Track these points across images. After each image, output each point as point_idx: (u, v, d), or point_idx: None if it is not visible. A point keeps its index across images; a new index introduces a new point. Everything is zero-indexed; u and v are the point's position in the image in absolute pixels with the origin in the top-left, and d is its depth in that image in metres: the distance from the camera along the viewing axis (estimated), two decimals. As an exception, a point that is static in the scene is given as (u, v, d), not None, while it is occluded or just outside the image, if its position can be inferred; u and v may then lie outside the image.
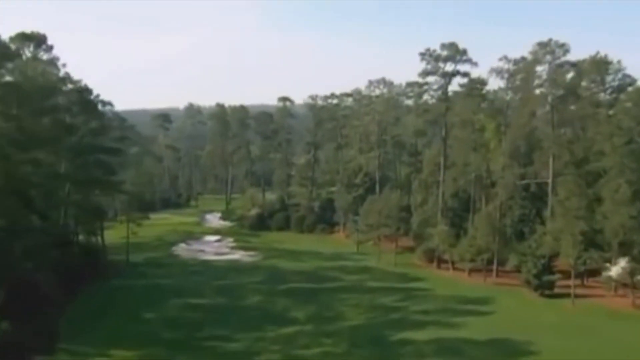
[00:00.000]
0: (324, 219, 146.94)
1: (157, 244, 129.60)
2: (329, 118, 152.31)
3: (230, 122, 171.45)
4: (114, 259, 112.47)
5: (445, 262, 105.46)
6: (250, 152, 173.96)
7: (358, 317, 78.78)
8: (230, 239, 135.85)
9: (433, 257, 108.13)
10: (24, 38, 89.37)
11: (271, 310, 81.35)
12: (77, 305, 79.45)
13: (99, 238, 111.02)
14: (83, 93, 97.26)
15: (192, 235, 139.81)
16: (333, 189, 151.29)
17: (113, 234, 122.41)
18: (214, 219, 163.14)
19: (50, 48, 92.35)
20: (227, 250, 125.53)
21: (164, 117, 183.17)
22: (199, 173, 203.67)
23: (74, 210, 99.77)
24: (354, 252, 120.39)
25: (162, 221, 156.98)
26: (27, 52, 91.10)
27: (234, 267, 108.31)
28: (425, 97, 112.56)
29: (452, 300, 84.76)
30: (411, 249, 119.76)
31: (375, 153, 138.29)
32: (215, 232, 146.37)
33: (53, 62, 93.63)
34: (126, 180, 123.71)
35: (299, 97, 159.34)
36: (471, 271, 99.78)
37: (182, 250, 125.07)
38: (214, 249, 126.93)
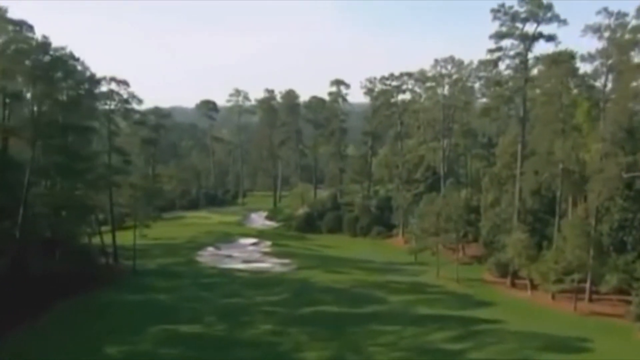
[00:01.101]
0: (381, 220, 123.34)
1: (183, 247, 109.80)
2: (387, 103, 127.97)
3: (279, 109, 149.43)
4: (125, 265, 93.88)
5: (522, 279, 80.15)
6: (301, 142, 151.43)
7: (392, 366, 55.13)
8: (268, 243, 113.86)
9: (506, 272, 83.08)
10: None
11: (277, 349, 57.88)
12: (29, 328, 60.83)
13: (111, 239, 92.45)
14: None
15: (227, 238, 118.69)
16: (392, 185, 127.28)
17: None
18: (259, 219, 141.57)
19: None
20: (258, 256, 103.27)
21: (209, 106, 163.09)
22: (249, 168, 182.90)
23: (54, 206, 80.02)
24: (410, 262, 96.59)
25: (200, 220, 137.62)
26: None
27: (256, 280, 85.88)
28: (500, 67, 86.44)
29: (531, 342, 58.45)
30: (480, 259, 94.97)
31: (440, 143, 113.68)
32: (258, 233, 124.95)
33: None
34: (132, 172, 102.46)
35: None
36: (556, 294, 74.06)
37: (207, 255, 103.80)
38: (245, 254, 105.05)
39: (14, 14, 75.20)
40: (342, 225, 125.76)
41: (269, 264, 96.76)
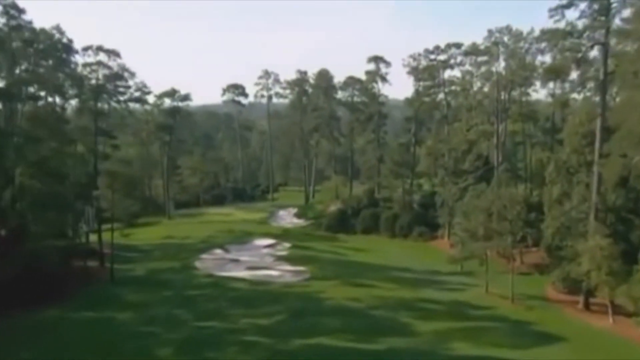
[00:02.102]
0: (425, 219, 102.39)
1: (190, 248, 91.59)
2: (433, 81, 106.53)
3: (311, 92, 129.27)
4: (119, 269, 75.30)
5: (601, 302, 58.43)
6: (336, 130, 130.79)
7: None
8: (287, 245, 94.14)
9: (577, 289, 61.46)
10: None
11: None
12: None
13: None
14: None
15: (244, 238, 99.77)
16: (437, 179, 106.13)
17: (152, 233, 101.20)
18: (287, 217, 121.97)
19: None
20: (269, 261, 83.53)
21: (237, 90, 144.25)
22: (282, 159, 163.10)
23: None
24: (454, 272, 75.82)
25: (221, 217, 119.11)
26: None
27: (252, 294, 66.13)
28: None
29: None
30: (542, 269, 73.56)
31: (494, 127, 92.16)
32: (281, 233, 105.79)
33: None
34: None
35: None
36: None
37: (209, 259, 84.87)
38: (255, 258, 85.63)
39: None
40: (379, 224, 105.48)
41: (277, 272, 76.97)
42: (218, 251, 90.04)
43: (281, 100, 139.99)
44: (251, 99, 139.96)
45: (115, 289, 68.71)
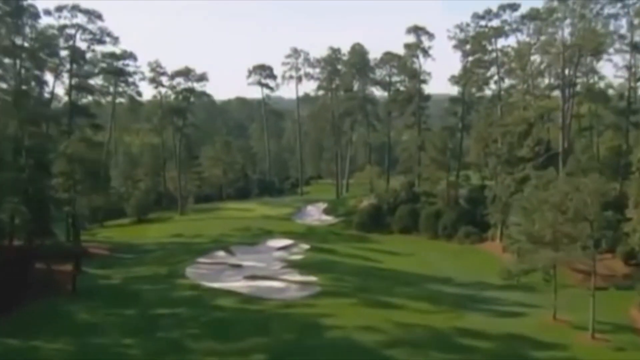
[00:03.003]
0: (473, 217, 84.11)
1: (192, 249, 75.34)
2: (483, 51, 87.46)
3: (344, 71, 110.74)
4: (90, 275, 61.43)
5: None
6: (372, 113, 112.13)
7: None
8: (305, 247, 76.88)
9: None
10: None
11: None
12: None
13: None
14: None
15: (261, 237, 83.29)
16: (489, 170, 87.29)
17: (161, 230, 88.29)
18: (315, 213, 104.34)
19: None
20: (276, 269, 66.02)
21: (264, 72, 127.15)
22: (314, 149, 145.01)
23: None
24: (510, 286, 56.59)
25: (240, 213, 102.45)
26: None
27: (235, 316, 49.02)
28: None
29: None
30: (619, 281, 55.12)
31: (556, 103, 73.22)
32: (304, 231, 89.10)
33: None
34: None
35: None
36: None
37: (205, 265, 68.37)
38: (262, 264, 68.47)
39: None
40: (419, 222, 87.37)
41: (281, 284, 59.51)
42: (221, 253, 73.46)
43: (312, 84, 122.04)
44: (279, 82, 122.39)
45: (70, 304, 52.57)
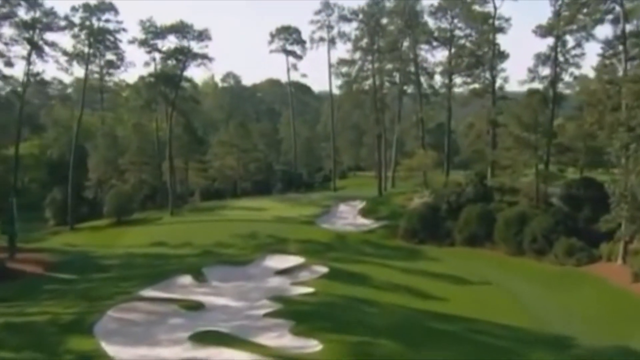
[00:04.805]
0: (574, 225, 55.79)
1: (159, 269, 51.67)
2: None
3: (387, 25, 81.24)
4: None
5: None
6: (425, 79, 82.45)
7: None
8: (321, 270, 49.23)
9: None
10: None
11: None
12: None
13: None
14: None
15: (267, 248, 58.58)
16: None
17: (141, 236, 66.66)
18: (349, 214, 76.19)
19: None
20: (257, 315, 37.75)
21: (289, 36, 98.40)
22: (352, 134, 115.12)
23: None
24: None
25: (252, 213, 76.13)
26: None
27: None
28: None
29: None
30: None
31: None
32: (330, 241, 62.93)
33: None
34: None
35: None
36: None
37: (146, 301, 41.05)
38: (240, 302, 41.26)
39: None
40: (493, 230, 58.86)
41: (249, 358, 31.49)
42: (186, 280, 46.34)
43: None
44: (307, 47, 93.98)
45: None
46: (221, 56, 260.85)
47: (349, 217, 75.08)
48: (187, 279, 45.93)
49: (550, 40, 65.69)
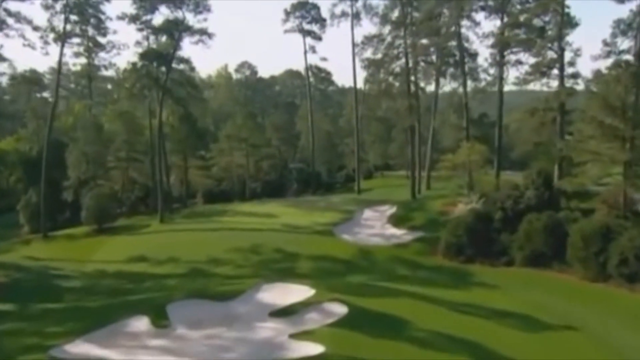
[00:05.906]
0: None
1: (113, 302, 37.95)
2: None
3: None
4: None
5: None
6: (469, 59, 66.92)
7: None
8: (337, 309, 34.34)
9: None
10: None
11: None
12: None
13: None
14: None
15: (272, 265, 47.04)
16: None
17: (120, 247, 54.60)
18: (376, 222, 61.78)
19: None
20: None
21: (307, 12, 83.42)
22: (380, 129, 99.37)
23: None
24: None
25: (258, 220, 62.60)
26: None
27: None
28: None
29: None
30: None
31: None
32: (351, 259, 49.42)
33: None
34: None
35: None
36: None
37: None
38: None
39: None
40: (563, 247, 44.09)
41: None
42: (141, 325, 32.23)
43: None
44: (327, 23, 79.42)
45: None
46: (235, 45, 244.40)
47: (376, 226, 60.68)
48: (142, 323, 31.79)
49: (633, 4, 50.89)
